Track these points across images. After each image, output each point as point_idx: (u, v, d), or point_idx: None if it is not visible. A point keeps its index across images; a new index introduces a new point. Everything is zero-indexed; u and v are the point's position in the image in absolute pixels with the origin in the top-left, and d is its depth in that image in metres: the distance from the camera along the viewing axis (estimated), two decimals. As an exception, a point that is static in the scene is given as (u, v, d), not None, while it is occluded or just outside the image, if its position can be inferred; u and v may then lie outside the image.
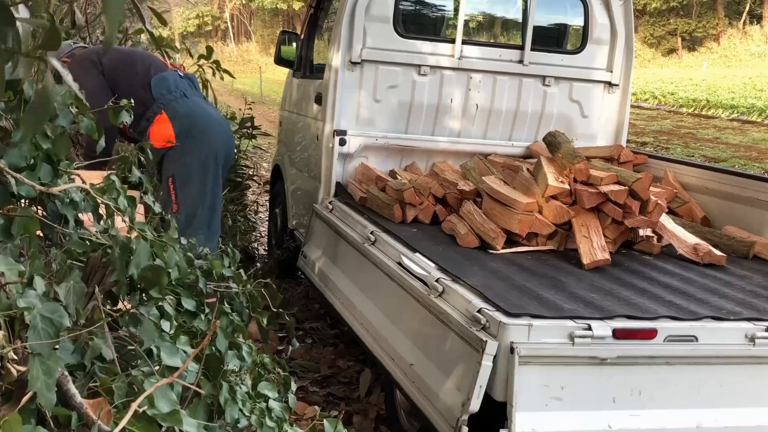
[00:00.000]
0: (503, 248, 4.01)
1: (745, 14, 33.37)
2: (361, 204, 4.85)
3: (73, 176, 2.50)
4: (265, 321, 3.16)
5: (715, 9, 36.16)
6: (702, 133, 17.94)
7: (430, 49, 5.28)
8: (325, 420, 2.47)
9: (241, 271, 3.23)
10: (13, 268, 1.82)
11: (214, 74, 5.49)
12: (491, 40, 6.29)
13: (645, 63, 32.08)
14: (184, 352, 2.19)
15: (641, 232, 4.22)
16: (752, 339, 3.01)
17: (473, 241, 4.04)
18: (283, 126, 6.78)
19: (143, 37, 5.40)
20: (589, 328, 2.85)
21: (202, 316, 2.58)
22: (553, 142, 4.48)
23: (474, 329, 2.87)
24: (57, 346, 1.82)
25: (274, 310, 3.62)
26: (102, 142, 2.59)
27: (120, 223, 2.45)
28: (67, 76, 1.86)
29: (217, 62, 5.39)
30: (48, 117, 2.10)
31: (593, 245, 3.84)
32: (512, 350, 2.73)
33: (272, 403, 2.55)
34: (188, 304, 2.59)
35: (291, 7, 44.31)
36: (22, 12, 1.79)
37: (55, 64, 1.76)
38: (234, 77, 5.96)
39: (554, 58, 5.48)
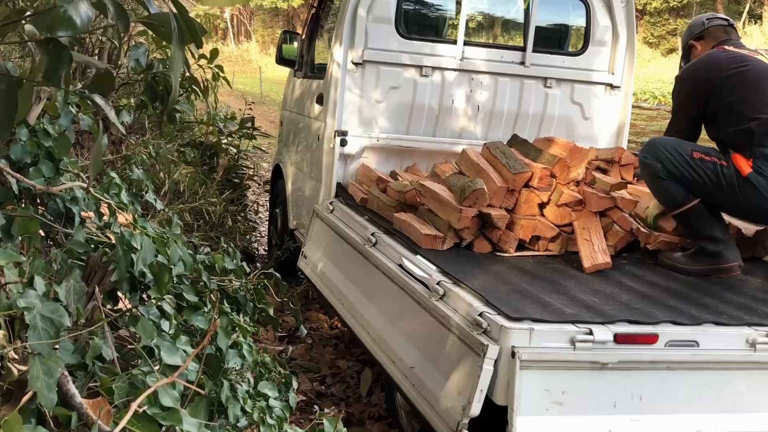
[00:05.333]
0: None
1: (745, 14, 33.33)
2: (362, 205, 4.84)
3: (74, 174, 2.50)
4: (271, 311, 3.16)
5: (715, 9, 36.18)
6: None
7: (431, 50, 5.27)
8: (325, 419, 2.47)
9: (244, 263, 3.23)
10: (12, 259, 1.81)
11: (215, 78, 5.49)
12: (493, 41, 6.28)
13: (645, 63, 32.08)
14: (185, 351, 2.18)
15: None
16: (753, 344, 3.00)
17: (486, 246, 4.03)
18: (284, 126, 6.77)
19: (143, 39, 5.40)
20: (591, 333, 2.84)
21: (204, 312, 2.58)
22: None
23: (475, 333, 2.86)
24: (57, 346, 1.81)
25: (279, 300, 3.63)
26: (105, 140, 2.60)
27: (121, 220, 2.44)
28: (111, 112, 1.87)
29: (219, 67, 5.39)
30: (102, 155, 2.13)
31: (594, 248, 3.83)
32: (513, 354, 2.72)
33: (273, 402, 2.55)
34: (191, 297, 2.59)
35: (291, 6, 44.27)
36: None
37: (100, 102, 1.78)
38: (231, 87, 5.96)
39: (556, 59, 5.47)
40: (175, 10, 1.61)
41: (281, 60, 6.48)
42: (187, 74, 4.92)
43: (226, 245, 3.40)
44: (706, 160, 3.85)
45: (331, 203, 5.04)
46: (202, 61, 5.44)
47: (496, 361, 2.75)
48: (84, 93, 1.89)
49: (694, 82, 4.03)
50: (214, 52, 5.24)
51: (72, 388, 1.80)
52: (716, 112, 3.93)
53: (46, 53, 1.55)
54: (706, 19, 4.21)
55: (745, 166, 3.77)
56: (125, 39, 4.39)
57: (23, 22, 1.73)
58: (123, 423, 1.71)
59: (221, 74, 5.48)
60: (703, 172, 3.83)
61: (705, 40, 4.17)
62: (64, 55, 1.56)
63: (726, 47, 4.03)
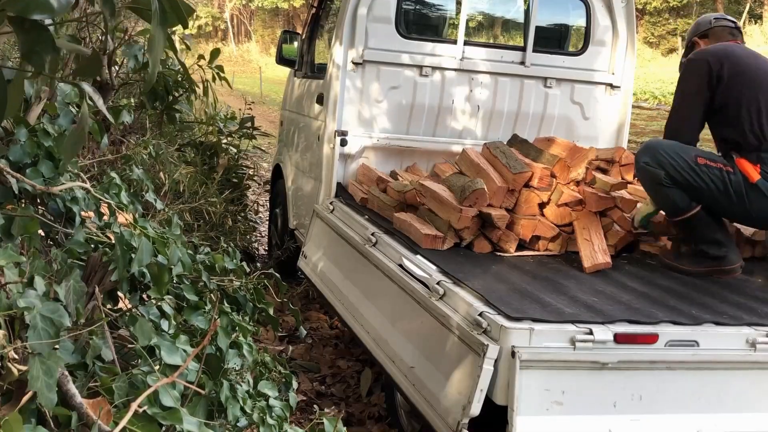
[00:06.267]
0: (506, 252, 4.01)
1: (745, 14, 33.29)
2: (362, 205, 4.84)
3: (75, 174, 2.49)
4: (271, 311, 3.16)
5: (715, 9, 36.16)
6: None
7: (431, 49, 5.27)
8: (325, 419, 2.47)
9: (244, 263, 3.23)
10: (12, 259, 1.81)
11: (214, 79, 5.50)
12: (493, 41, 6.28)
13: (645, 63, 32.07)
14: (184, 351, 2.18)
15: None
16: (753, 344, 3.00)
17: (486, 246, 4.03)
18: (284, 126, 6.78)
19: (142, 38, 5.39)
20: (591, 333, 2.84)
21: (204, 312, 2.58)
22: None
23: (475, 333, 2.86)
24: (57, 346, 1.81)
25: (279, 300, 3.63)
26: (105, 140, 2.60)
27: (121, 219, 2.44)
28: (99, 101, 1.86)
29: (220, 67, 5.38)
30: (83, 143, 2.11)
31: (594, 248, 3.83)
32: (513, 354, 2.72)
33: (273, 402, 2.55)
34: (191, 297, 2.59)
35: (291, 6, 44.28)
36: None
37: (87, 89, 1.76)
38: (231, 87, 5.95)
39: (556, 59, 5.47)
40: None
41: (281, 60, 6.49)
42: (181, 69, 4.89)
43: (226, 245, 3.40)
44: (712, 166, 3.75)
45: (331, 203, 5.04)
46: (202, 62, 5.43)
47: (496, 360, 2.75)
48: (74, 81, 1.87)
49: (708, 64, 3.84)
50: (215, 52, 5.22)
51: (72, 388, 1.80)
52: (726, 105, 3.82)
53: (22, 32, 1.52)
54: (714, 18, 4.15)
55: (753, 173, 3.70)
56: (125, 38, 4.38)
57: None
58: (123, 423, 1.71)
59: (221, 74, 5.47)
60: (709, 178, 3.73)
61: (709, 39, 4.10)
62: (45, 37, 1.53)
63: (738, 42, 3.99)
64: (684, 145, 3.89)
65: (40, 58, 1.54)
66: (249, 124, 7.41)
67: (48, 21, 1.57)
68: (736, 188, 3.71)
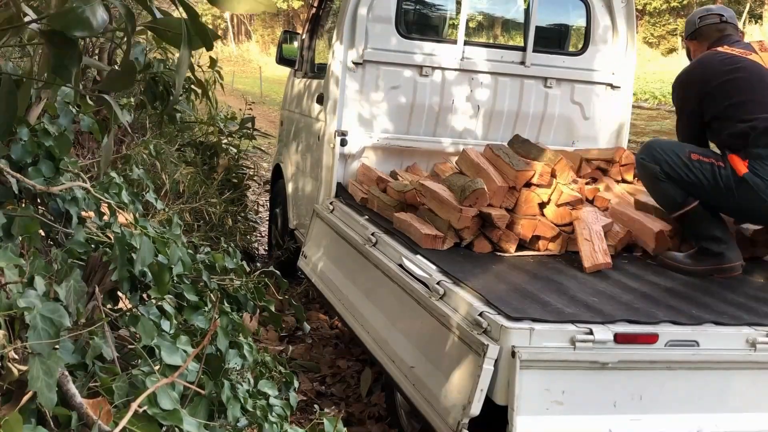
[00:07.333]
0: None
1: (745, 14, 33.25)
2: (362, 205, 4.84)
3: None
4: (273, 308, 3.17)
5: (716, 9, 36.08)
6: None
7: (432, 49, 5.27)
8: (325, 419, 2.47)
9: (244, 263, 3.23)
10: (12, 261, 1.81)
11: (215, 82, 5.52)
12: (493, 41, 6.28)
13: (645, 63, 32.06)
14: (185, 351, 2.18)
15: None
16: (753, 344, 3.00)
17: (486, 246, 4.03)
18: (284, 126, 6.77)
19: (142, 38, 5.39)
20: (591, 333, 2.84)
21: (204, 312, 2.58)
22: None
23: (475, 333, 2.87)
24: (57, 346, 1.81)
25: (279, 298, 3.63)
26: (105, 140, 2.60)
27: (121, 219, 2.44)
28: (121, 113, 1.89)
29: (218, 72, 5.41)
30: (112, 153, 2.17)
31: (594, 248, 3.83)
32: (514, 354, 2.72)
33: (273, 401, 2.55)
34: (191, 297, 2.58)
35: (291, 7, 44.26)
36: None
37: (111, 102, 1.80)
38: (224, 89, 5.98)
39: (556, 59, 5.47)
40: (185, 15, 1.63)
41: (281, 60, 6.48)
42: (188, 75, 4.91)
43: (226, 245, 3.40)
44: (704, 161, 3.87)
45: (331, 203, 5.04)
46: (203, 63, 5.44)
47: (496, 360, 2.75)
48: (100, 93, 1.90)
49: (688, 91, 4.07)
50: (213, 62, 5.26)
51: (72, 388, 1.80)
52: (713, 118, 3.95)
53: (53, 46, 1.55)
54: (699, 18, 4.18)
55: (741, 167, 3.79)
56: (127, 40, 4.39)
57: (37, 24, 1.73)
58: (123, 423, 1.71)
59: (220, 80, 5.50)
60: (701, 173, 3.85)
61: (698, 40, 4.18)
62: (74, 51, 1.57)
63: (719, 48, 4.01)
64: (680, 143, 4.04)
65: (69, 72, 1.58)
66: (249, 124, 7.41)
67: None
68: (726, 182, 3.82)
